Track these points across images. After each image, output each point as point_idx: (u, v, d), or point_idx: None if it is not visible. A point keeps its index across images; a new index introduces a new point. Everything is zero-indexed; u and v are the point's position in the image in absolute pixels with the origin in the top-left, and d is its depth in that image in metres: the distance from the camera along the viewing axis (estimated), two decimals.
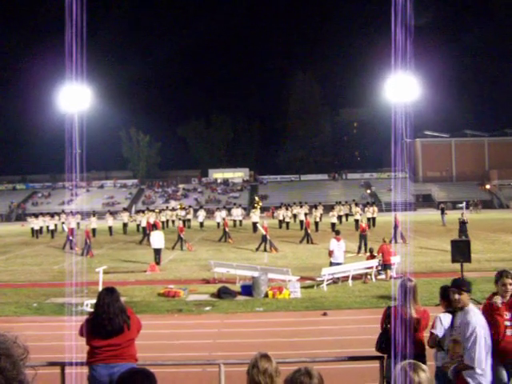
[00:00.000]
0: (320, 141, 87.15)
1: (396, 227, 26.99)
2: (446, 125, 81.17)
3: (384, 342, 6.03)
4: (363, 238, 24.25)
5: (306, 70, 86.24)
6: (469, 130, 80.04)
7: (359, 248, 24.04)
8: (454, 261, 13.07)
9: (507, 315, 5.69)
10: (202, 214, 42.24)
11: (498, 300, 5.74)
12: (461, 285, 5.58)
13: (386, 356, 6.04)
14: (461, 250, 12.83)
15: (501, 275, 5.87)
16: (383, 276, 17.45)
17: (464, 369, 5.05)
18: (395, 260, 17.60)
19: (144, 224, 34.23)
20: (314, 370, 3.13)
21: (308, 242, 28.54)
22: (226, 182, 78.27)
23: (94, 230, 34.49)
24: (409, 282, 5.97)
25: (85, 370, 5.72)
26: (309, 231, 29.06)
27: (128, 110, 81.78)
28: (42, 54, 73.62)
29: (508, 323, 5.66)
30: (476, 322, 5.14)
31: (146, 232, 32.01)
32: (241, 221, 43.04)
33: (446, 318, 6.09)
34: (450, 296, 5.50)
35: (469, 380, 5.02)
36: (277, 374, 3.36)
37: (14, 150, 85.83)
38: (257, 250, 25.93)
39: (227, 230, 31.85)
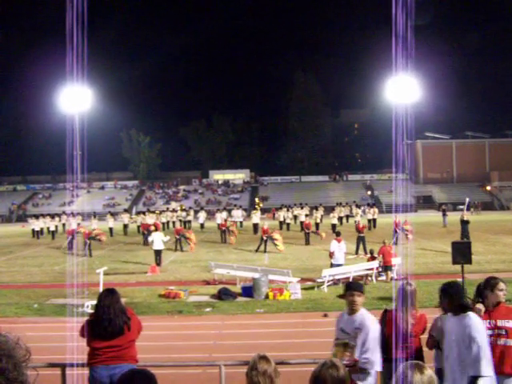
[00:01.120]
0: (320, 142, 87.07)
1: (396, 229, 27.02)
2: (446, 126, 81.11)
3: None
4: (361, 239, 24.27)
5: (307, 71, 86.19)
6: (470, 132, 79.99)
7: (357, 249, 24.06)
8: (454, 262, 13.05)
9: (489, 323, 5.48)
10: (202, 215, 42.23)
11: (482, 308, 5.54)
12: (357, 287, 5.54)
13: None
14: (461, 252, 12.81)
15: (497, 281, 5.68)
16: (384, 277, 17.45)
17: (356, 372, 4.94)
18: (396, 261, 17.60)
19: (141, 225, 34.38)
20: (338, 362, 3.19)
21: (308, 243, 28.60)
22: (226, 183, 78.27)
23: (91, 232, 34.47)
24: (408, 286, 5.97)
25: (85, 371, 5.72)
26: (309, 232, 29.14)
27: (129, 111, 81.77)
28: (42, 55, 73.60)
29: (489, 332, 5.42)
30: (372, 325, 5.08)
31: (144, 233, 31.86)
32: (241, 222, 43.01)
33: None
34: (347, 298, 5.39)
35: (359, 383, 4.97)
36: (276, 375, 3.37)
37: (14, 150, 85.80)
38: (256, 251, 25.94)
39: (230, 229, 31.84)
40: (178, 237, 27.59)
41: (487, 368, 4.76)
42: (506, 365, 5.34)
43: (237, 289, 16.03)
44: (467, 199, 31.02)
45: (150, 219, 36.74)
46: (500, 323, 5.42)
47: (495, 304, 5.54)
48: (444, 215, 38.22)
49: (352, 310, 5.37)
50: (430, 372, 3.02)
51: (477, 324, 4.99)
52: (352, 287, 5.54)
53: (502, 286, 5.59)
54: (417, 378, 2.95)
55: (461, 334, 5.00)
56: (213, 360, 8.82)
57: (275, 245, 25.66)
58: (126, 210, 46.74)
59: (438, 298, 6.30)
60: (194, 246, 26.89)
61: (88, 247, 26.20)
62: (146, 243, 29.45)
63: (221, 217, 38.38)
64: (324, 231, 30.23)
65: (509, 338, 5.36)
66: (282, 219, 40.15)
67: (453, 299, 5.20)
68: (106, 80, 72.56)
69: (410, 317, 5.84)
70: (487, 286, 5.66)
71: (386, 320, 6.04)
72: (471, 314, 5.08)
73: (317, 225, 35.92)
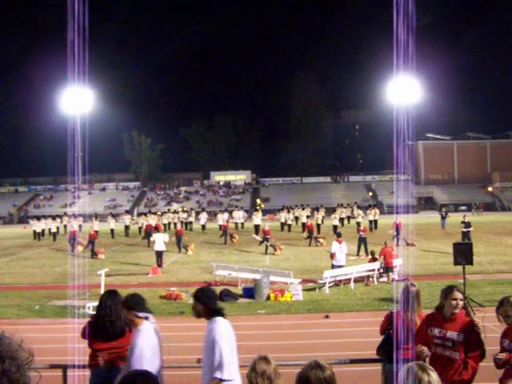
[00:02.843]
0: (322, 143, 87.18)
1: (398, 230, 26.98)
2: (448, 127, 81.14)
3: (386, 347, 5.99)
4: (362, 240, 24.25)
5: (308, 72, 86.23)
6: (471, 133, 79.96)
7: (358, 250, 24.04)
8: (456, 263, 13.05)
9: (439, 332, 5.32)
10: (203, 216, 42.25)
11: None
12: (125, 301, 5.43)
13: (385, 361, 6.00)
14: (463, 253, 12.81)
15: (451, 290, 5.39)
16: (385, 279, 17.44)
17: None
18: (397, 262, 17.58)
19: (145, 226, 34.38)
20: (323, 362, 3.16)
21: (310, 244, 28.57)
22: (227, 184, 78.28)
23: (96, 233, 34.49)
24: (412, 287, 5.93)
25: (87, 372, 5.72)
26: (313, 234, 29.13)
27: (130, 112, 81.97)
28: (44, 56, 73.78)
29: (437, 341, 5.31)
30: (143, 344, 5.02)
31: (147, 234, 31.86)
32: (243, 223, 43.03)
33: None
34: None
35: None
36: (276, 376, 3.34)
37: (16, 152, 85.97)
38: (266, 250, 25.89)
39: (228, 231, 31.85)
40: (178, 239, 27.58)
41: (226, 372, 4.74)
42: (446, 376, 5.17)
43: (238, 290, 16.03)
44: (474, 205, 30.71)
45: (151, 220, 36.75)
46: (449, 334, 5.23)
47: (451, 313, 5.31)
48: (443, 218, 37.65)
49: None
50: (435, 372, 3.01)
51: (220, 329, 4.97)
52: (123, 301, 5.54)
53: (456, 295, 5.30)
54: (423, 377, 2.94)
55: (207, 338, 5.00)
56: None
57: (272, 247, 25.64)
58: (127, 212, 46.83)
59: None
60: (192, 251, 26.75)
61: (90, 249, 26.24)
62: (148, 244, 29.52)
63: (222, 218, 38.40)
64: (324, 233, 30.21)
65: (455, 351, 5.17)
66: (283, 220, 40.13)
67: (205, 304, 5.19)
68: (107, 81, 72.74)
69: (415, 318, 5.81)
70: (443, 294, 5.45)
71: (391, 321, 6.01)
72: (218, 319, 5.08)
73: (318, 226, 35.92)
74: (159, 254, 21.94)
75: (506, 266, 19.75)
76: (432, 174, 76.77)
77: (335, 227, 34.88)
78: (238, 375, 4.93)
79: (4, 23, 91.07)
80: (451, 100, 78.71)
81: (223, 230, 32.63)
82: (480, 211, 58.11)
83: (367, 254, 22.49)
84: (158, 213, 45.28)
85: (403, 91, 49.65)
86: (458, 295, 5.30)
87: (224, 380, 4.72)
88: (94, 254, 26.09)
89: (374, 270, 17.30)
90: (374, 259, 18.22)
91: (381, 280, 17.46)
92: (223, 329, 5.00)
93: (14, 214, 69.08)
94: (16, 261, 25.92)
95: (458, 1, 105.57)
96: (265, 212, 56.74)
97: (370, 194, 70.99)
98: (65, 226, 42.01)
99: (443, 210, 40.22)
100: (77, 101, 48.85)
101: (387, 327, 6.13)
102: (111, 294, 5.99)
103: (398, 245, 24.97)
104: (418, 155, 76.98)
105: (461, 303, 5.31)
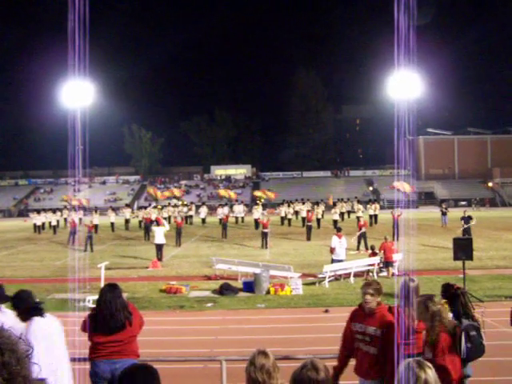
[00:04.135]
0: (322, 138, 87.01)
1: (397, 224, 26.93)
2: (448, 122, 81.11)
3: None
4: (362, 235, 24.24)
5: (309, 67, 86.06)
6: (471, 128, 79.84)
7: (358, 245, 24.04)
8: (455, 258, 13.05)
9: (360, 327, 5.35)
10: (203, 210, 42.24)
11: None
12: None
13: None
14: (463, 248, 12.81)
15: (363, 286, 5.42)
16: (385, 273, 17.46)
17: None
18: (397, 257, 17.59)
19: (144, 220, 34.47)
20: (319, 363, 3.14)
21: (309, 238, 28.56)
22: (228, 178, 78.24)
23: (96, 226, 34.50)
24: (411, 282, 5.91)
25: (87, 365, 5.74)
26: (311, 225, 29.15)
27: (130, 106, 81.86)
28: (44, 49, 73.57)
29: (358, 336, 5.36)
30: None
31: (147, 227, 31.85)
32: (243, 217, 43.04)
33: None
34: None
35: None
36: (275, 370, 3.34)
37: (16, 145, 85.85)
38: (265, 247, 25.81)
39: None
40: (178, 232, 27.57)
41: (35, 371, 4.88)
42: (362, 369, 5.28)
43: (238, 284, 16.05)
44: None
45: (153, 214, 36.76)
46: (368, 330, 5.27)
47: (368, 309, 5.32)
48: (443, 214, 36.95)
49: None
50: (432, 369, 3.01)
51: (34, 330, 5.04)
52: None
53: (366, 290, 5.33)
54: (420, 374, 2.94)
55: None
56: (214, 355, 8.83)
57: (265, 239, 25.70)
58: (127, 205, 46.81)
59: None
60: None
61: (89, 242, 26.22)
62: (148, 238, 29.56)
63: (222, 212, 38.41)
64: (325, 227, 30.22)
65: (372, 346, 5.22)
66: (283, 215, 40.12)
67: (17, 308, 5.27)
68: (108, 75, 72.62)
69: (414, 313, 5.79)
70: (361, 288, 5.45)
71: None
72: (33, 320, 5.15)
73: (318, 220, 35.92)
74: (159, 248, 21.94)
75: (506, 261, 19.79)
76: (432, 169, 76.71)
77: (335, 222, 34.86)
78: (59, 374, 4.97)
79: (4, 15, 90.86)
80: (452, 95, 78.69)
81: (223, 224, 32.64)
82: (485, 206, 58.36)
83: (367, 248, 22.52)
84: (159, 206, 45.27)
85: (404, 86, 49.49)
86: (369, 291, 5.30)
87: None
88: (86, 248, 25.93)
89: (373, 264, 17.33)
90: (373, 254, 18.23)
91: (381, 275, 17.48)
92: (38, 329, 5.08)
93: (12, 210, 69.07)
94: (16, 254, 25.96)
95: None
96: (265, 206, 56.65)
97: (371, 188, 70.96)
98: (65, 220, 42.03)
99: (443, 205, 39.52)
100: (77, 94, 48.73)
101: None
102: (111, 287, 5.99)
103: (397, 239, 24.96)
104: (418, 150, 76.88)
105: (369, 298, 5.29)
